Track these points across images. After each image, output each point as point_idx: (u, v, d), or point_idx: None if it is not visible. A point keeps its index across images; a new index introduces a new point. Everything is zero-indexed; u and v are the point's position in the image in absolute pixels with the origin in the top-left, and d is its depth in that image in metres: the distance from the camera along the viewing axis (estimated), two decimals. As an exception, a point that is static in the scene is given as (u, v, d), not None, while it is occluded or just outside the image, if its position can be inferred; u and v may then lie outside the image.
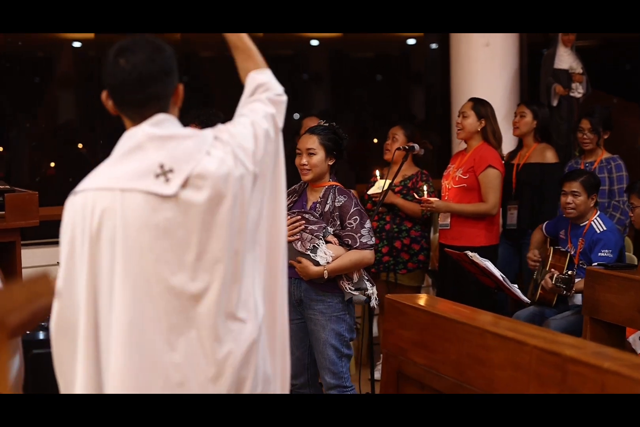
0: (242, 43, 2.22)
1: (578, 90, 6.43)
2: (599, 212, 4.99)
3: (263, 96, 2.21)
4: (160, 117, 2.06)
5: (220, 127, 2.13)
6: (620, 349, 3.96)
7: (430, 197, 5.18)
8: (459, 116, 5.33)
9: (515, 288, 4.67)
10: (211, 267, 2.02)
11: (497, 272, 4.61)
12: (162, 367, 2.00)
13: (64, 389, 2.08)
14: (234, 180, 2.03)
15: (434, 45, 7.85)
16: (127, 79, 2.03)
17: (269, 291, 2.17)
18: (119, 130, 2.12)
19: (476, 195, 5.18)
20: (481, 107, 5.26)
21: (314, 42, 8.14)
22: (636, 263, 4.96)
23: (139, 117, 2.06)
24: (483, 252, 4.91)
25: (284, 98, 2.25)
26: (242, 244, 2.07)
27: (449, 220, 5.23)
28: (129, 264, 1.98)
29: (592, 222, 4.91)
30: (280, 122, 2.21)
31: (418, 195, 5.24)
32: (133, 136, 2.04)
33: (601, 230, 4.86)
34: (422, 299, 3.37)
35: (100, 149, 7.00)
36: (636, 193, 4.71)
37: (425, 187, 5.24)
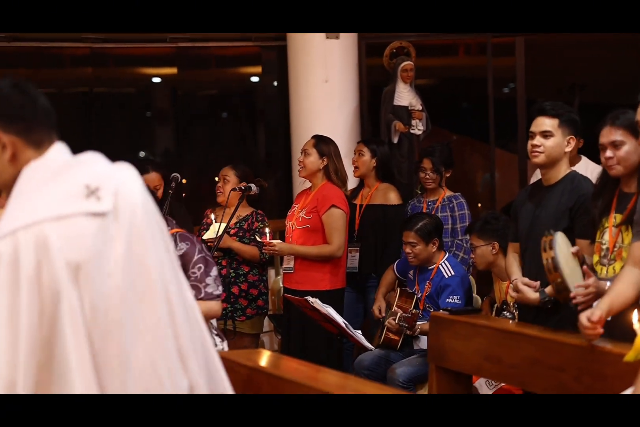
0: None
1: (418, 127, 6.43)
2: (447, 255, 4.92)
3: None
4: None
5: None
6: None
7: (272, 239, 4.99)
8: (301, 154, 5.19)
9: (358, 335, 4.54)
10: None
11: (340, 319, 4.47)
12: None
13: None
14: None
15: (275, 83, 7.73)
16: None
17: None
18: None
19: (321, 236, 5.04)
20: (323, 145, 5.15)
21: (156, 80, 7.90)
22: (480, 303, 4.90)
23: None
24: (328, 296, 4.79)
25: None
26: None
27: (293, 263, 5.05)
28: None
29: (440, 266, 4.85)
30: None
31: (258, 238, 5.04)
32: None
33: (449, 275, 4.80)
34: (262, 358, 3.14)
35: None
36: (476, 233, 4.66)
37: (267, 229, 5.05)
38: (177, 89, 7.79)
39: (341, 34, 6.35)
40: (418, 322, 4.63)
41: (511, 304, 4.21)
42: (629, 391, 2.53)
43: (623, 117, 3.44)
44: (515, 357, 3.42)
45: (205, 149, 7.94)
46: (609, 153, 3.43)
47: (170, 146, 7.89)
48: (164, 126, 7.97)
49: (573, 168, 3.92)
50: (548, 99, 5.80)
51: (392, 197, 5.52)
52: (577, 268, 3.45)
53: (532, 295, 3.60)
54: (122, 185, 1.88)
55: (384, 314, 4.93)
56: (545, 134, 3.72)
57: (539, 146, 3.72)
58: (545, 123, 3.73)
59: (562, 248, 3.39)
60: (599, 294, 3.24)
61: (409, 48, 6.79)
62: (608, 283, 3.24)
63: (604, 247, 3.48)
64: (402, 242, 4.97)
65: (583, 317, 3.05)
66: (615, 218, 3.45)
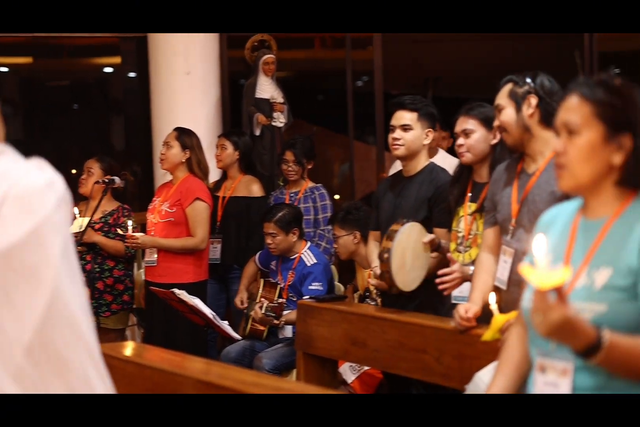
0: None
1: (280, 120, 6.48)
2: (309, 244, 5.01)
3: None
4: None
5: None
6: (333, 381, 3.98)
7: (135, 232, 4.95)
8: (163, 146, 5.16)
9: (225, 325, 4.57)
10: None
11: (207, 310, 4.49)
12: None
13: None
14: None
15: (132, 74, 7.63)
16: None
17: None
18: None
19: (184, 229, 5.03)
20: (186, 137, 5.14)
21: (3, 69, 7.65)
22: (343, 291, 5.03)
23: None
24: (192, 288, 4.78)
25: None
26: None
27: (156, 256, 5.03)
28: None
29: (302, 255, 4.92)
30: None
31: (120, 231, 4.99)
32: None
33: (311, 263, 4.87)
34: (128, 348, 3.15)
35: None
36: (338, 224, 4.77)
37: (129, 222, 5.00)
38: (29, 78, 7.58)
39: (202, 26, 6.35)
40: (283, 312, 4.70)
41: (373, 291, 4.35)
42: (487, 369, 2.68)
43: (477, 109, 3.62)
44: (380, 341, 3.54)
45: (58, 140, 7.76)
46: (460, 141, 3.60)
47: (20, 137, 7.67)
48: (13, 117, 7.74)
49: (431, 160, 4.08)
50: (404, 92, 5.99)
51: (255, 189, 5.56)
52: (422, 259, 3.61)
53: None
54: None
55: (246, 305, 4.98)
56: (405, 128, 3.86)
57: (399, 139, 3.85)
58: (405, 117, 3.86)
59: (407, 240, 3.53)
60: (464, 279, 3.40)
61: (270, 41, 6.85)
62: (472, 268, 3.40)
63: (460, 235, 3.64)
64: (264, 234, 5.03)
65: (462, 310, 3.18)
66: (469, 207, 3.62)
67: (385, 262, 3.48)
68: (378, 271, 3.76)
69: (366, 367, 4.26)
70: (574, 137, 1.98)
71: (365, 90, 7.53)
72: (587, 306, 1.93)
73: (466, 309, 3.16)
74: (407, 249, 3.54)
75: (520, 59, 7.72)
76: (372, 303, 4.29)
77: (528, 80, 3.15)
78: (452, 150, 5.25)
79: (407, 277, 3.55)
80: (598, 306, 1.92)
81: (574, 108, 2.00)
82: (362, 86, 8.14)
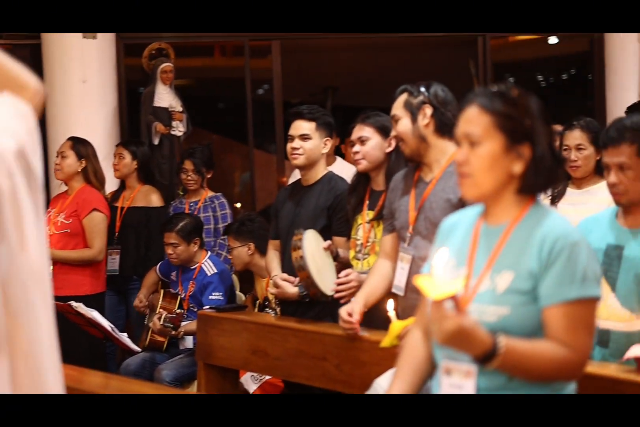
0: None
1: (179, 129, 6.43)
2: (209, 254, 4.99)
3: None
4: None
5: None
6: (234, 391, 3.96)
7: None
8: (57, 156, 5.07)
9: (124, 337, 4.51)
10: None
11: (105, 322, 4.42)
12: None
13: None
14: None
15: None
16: None
17: None
18: None
19: (81, 240, 4.95)
20: (81, 146, 5.06)
21: None
22: (244, 299, 5.02)
23: None
24: (89, 301, 4.71)
25: None
26: None
27: (51, 268, 4.93)
28: None
29: (203, 265, 4.89)
30: None
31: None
32: None
33: (212, 273, 4.85)
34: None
35: None
36: (232, 235, 4.76)
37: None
38: None
39: (99, 34, 6.24)
40: (182, 323, 4.66)
41: (272, 300, 4.35)
42: (386, 376, 2.71)
43: (374, 117, 3.67)
44: (280, 350, 3.54)
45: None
46: (355, 148, 3.65)
47: None
48: None
49: (329, 168, 4.11)
50: (304, 100, 6.02)
51: (154, 199, 5.50)
52: (328, 264, 3.64)
53: (291, 289, 3.75)
54: None
55: (145, 303, 4.93)
56: (304, 137, 3.88)
57: (298, 149, 3.87)
58: (303, 126, 3.88)
59: (312, 246, 3.56)
60: (360, 287, 3.44)
61: (168, 49, 6.79)
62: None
63: (359, 242, 3.68)
64: (164, 244, 4.98)
65: (343, 312, 3.22)
66: (367, 214, 3.66)
67: (303, 270, 3.47)
68: (278, 280, 3.77)
69: (267, 377, 4.26)
70: (476, 148, 2.04)
71: (265, 99, 7.55)
72: (490, 309, 1.99)
73: (348, 311, 3.20)
74: (316, 256, 3.56)
75: (416, 68, 7.85)
76: (272, 312, 4.30)
77: (422, 90, 3.20)
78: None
79: (326, 281, 3.56)
80: (501, 309, 1.98)
81: (474, 119, 2.05)
82: (262, 95, 8.15)
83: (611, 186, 2.75)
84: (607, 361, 2.70)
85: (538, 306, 1.98)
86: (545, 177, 2.06)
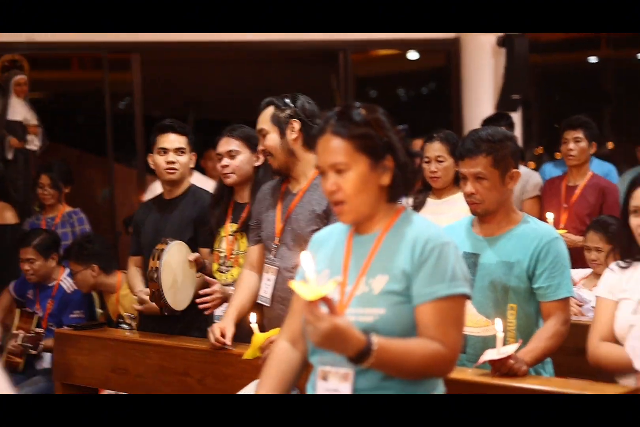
0: None
1: (34, 143, 6.28)
2: (67, 270, 4.82)
3: None
4: None
5: None
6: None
7: None
8: None
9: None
10: None
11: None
12: None
13: None
14: None
15: None
16: None
17: None
18: None
19: None
20: None
21: None
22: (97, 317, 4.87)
23: None
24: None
25: None
26: None
27: None
28: None
29: (61, 282, 4.78)
30: None
31: None
32: None
33: (71, 290, 4.73)
34: None
35: None
36: (73, 259, 4.56)
37: None
38: None
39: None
40: (41, 342, 4.52)
41: (125, 315, 4.26)
42: (249, 388, 2.68)
43: (240, 130, 3.63)
44: (142, 367, 3.45)
45: None
46: (225, 161, 3.59)
47: None
48: None
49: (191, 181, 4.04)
50: (165, 114, 5.93)
51: (9, 217, 5.36)
52: (190, 278, 3.57)
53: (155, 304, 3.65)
54: None
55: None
56: (182, 151, 3.78)
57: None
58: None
59: (174, 258, 3.49)
60: (224, 299, 3.39)
61: (21, 61, 6.60)
62: (232, 288, 3.40)
63: (222, 255, 3.64)
64: (18, 262, 4.80)
65: (216, 331, 3.14)
66: (230, 227, 3.62)
67: (155, 281, 3.40)
68: (143, 295, 3.67)
69: (130, 395, 4.15)
70: (344, 174, 2.08)
71: (126, 112, 7.41)
72: (367, 310, 2.06)
73: (222, 331, 3.14)
74: (176, 268, 3.49)
75: (278, 82, 7.87)
76: (127, 327, 4.19)
77: (289, 103, 3.19)
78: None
79: (179, 296, 3.49)
80: (378, 310, 2.05)
81: (335, 149, 2.09)
82: (123, 108, 8.00)
83: (468, 196, 2.84)
84: (464, 366, 2.75)
85: (412, 305, 2.05)
86: (411, 179, 2.16)
